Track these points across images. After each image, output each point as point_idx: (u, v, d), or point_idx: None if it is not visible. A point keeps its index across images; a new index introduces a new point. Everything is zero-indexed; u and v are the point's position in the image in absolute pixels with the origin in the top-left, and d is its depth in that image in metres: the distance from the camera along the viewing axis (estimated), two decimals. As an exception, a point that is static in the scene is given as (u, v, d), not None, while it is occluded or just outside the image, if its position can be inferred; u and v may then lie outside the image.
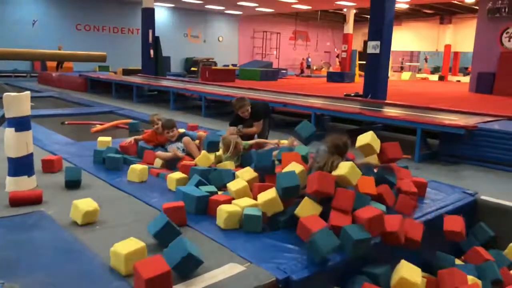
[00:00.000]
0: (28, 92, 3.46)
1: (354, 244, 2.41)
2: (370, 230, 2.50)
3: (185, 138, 4.35)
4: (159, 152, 4.34)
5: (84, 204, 2.77)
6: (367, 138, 3.35)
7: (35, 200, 3.08)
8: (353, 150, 3.47)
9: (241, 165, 3.98)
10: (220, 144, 4.17)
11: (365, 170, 3.24)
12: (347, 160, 3.15)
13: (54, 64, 17.96)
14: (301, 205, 2.78)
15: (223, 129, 6.55)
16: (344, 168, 2.90)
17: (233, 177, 3.44)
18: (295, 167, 3.05)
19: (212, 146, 4.12)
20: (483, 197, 3.83)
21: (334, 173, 2.90)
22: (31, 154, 3.44)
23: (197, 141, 4.51)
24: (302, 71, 27.27)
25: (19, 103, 3.31)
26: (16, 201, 3.03)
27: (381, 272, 2.53)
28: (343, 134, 3.24)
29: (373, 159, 3.46)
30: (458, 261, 3.29)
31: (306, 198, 2.81)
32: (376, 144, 3.36)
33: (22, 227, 2.70)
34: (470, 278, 2.76)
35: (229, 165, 3.94)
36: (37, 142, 4.81)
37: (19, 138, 3.32)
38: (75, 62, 13.66)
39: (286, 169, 3.04)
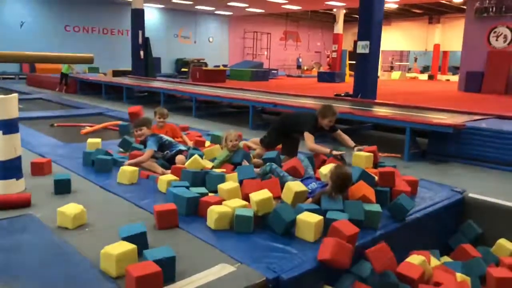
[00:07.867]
0: (16, 94, 3.43)
1: None
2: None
3: (179, 157, 4.19)
4: (130, 161, 4.08)
5: (70, 208, 2.75)
6: None
7: (23, 203, 3.05)
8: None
9: (230, 162, 3.99)
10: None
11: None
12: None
13: (43, 65, 17.75)
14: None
15: (213, 129, 6.55)
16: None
17: (225, 180, 3.45)
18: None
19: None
20: (471, 195, 3.88)
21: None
22: (19, 157, 3.41)
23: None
24: None
25: (7, 105, 3.28)
26: (4, 205, 3.00)
27: (368, 273, 2.55)
28: (346, 167, 3.26)
29: None
30: (446, 258, 3.33)
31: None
32: None
33: (10, 231, 2.68)
34: (459, 275, 2.80)
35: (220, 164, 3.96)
36: (26, 145, 4.77)
37: (7, 141, 3.29)
38: (63, 64, 13.49)
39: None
